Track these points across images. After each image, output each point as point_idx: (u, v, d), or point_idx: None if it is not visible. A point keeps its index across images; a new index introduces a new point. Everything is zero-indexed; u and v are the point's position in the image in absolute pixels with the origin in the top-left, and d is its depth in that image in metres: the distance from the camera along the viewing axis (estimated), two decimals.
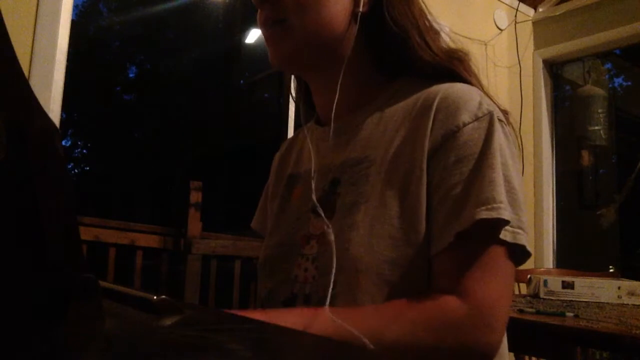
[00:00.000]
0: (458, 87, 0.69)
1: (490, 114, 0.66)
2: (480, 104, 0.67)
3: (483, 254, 0.62)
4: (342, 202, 0.70)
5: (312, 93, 0.82)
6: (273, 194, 0.88)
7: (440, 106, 0.67)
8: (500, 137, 0.65)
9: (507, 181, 0.63)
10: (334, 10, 0.70)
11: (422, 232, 0.64)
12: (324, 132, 0.79)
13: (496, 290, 0.61)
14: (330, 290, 0.63)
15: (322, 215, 0.68)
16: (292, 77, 0.93)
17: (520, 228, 0.63)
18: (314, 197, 0.72)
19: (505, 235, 0.62)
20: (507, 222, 0.61)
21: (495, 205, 0.60)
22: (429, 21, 0.75)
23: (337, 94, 0.73)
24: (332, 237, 0.66)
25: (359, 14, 0.71)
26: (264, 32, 0.74)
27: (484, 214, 0.60)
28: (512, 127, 0.72)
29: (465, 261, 0.62)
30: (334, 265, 0.64)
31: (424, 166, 0.65)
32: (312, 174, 0.75)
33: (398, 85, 0.75)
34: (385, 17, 0.71)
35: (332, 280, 0.63)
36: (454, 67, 0.72)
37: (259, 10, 0.74)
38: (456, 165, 0.64)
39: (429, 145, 0.66)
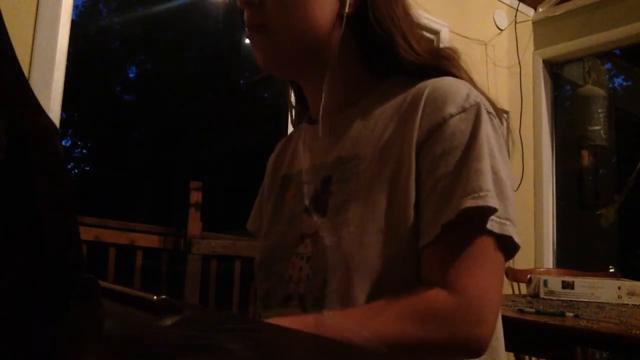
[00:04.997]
0: (446, 81, 0.69)
1: (477, 105, 0.66)
2: (467, 95, 0.66)
3: (470, 245, 0.61)
4: (334, 200, 0.70)
5: (305, 93, 0.82)
6: (268, 195, 0.88)
7: (428, 100, 0.67)
8: (487, 128, 0.65)
9: (494, 172, 0.63)
10: (318, 14, 0.70)
11: (410, 227, 0.64)
12: (315, 131, 0.79)
13: (484, 281, 0.61)
14: (342, 288, 0.62)
15: (312, 212, 0.69)
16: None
17: (508, 219, 0.63)
18: (306, 200, 0.72)
19: (492, 226, 0.61)
20: (494, 210, 0.61)
21: (481, 193, 0.60)
22: (414, 21, 0.74)
23: (324, 95, 0.72)
24: (327, 240, 0.66)
25: (345, 16, 0.71)
26: (249, 36, 0.74)
27: (469, 202, 0.60)
28: (506, 124, 0.71)
29: (452, 252, 0.61)
30: (335, 265, 0.64)
31: (412, 160, 0.65)
32: (303, 174, 0.75)
33: (387, 84, 0.75)
34: (369, 19, 0.70)
35: (328, 279, 0.63)
36: (441, 64, 0.72)
37: (245, 11, 0.73)
38: (443, 157, 0.64)
39: (416, 138, 0.66)
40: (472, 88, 0.69)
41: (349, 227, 0.66)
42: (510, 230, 0.62)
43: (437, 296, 0.60)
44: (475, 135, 0.63)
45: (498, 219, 0.62)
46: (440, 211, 0.62)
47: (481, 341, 0.60)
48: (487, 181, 0.61)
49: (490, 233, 0.61)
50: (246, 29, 0.74)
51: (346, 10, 0.70)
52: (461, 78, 0.71)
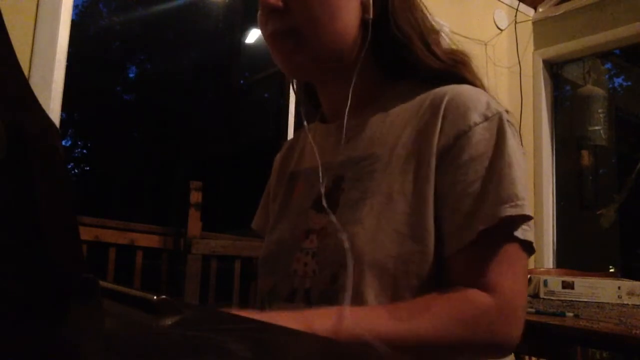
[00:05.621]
0: (465, 89, 0.70)
1: (499, 114, 0.67)
2: (488, 104, 0.68)
3: (504, 249, 0.63)
4: (345, 197, 0.71)
5: (318, 92, 0.82)
6: (275, 193, 0.88)
7: (449, 107, 0.68)
8: (510, 136, 0.67)
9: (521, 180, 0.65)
10: (346, 20, 0.71)
11: (427, 229, 0.65)
12: (328, 129, 0.79)
13: (518, 284, 0.64)
14: (357, 285, 0.63)
15: (326, 207, 0.69)
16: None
17: (528, 225, 0.65)
18: (322, 189, 0.72)
19: (517, 232, 0.64)
20: (529, 219, 0.63)
21: (519, 202, 0.62)
22: (430, 24, 0.76)
23: (350, 98, 0.73)
24: (339, 235, 0.66)
25: (370, 20, 0.71)
26: (273, 43, 0.73)
27: (509, 210, 0.62)
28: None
29: (489, 257, 0.63)
30: (350, 259, 0.64)
31: (433, 165, 0.66)
32: (320, 170, 0.75)
33: (403, 87, 0.76)
34: (390, 24, 0.71)
35: (350, 273, 0.63)
36: (458, 70, 0.73)
37: (262, 17, 0.72)
38: (470, 164, 0.65)
39: (439, 144, 0.67)
40: (490, 96, 0.70)
41: (363, 224, 0.66)
42: (530, 236, 0.65)
43: (478, 297, 0.62)
44: (502, 143, 0.65)
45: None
46: (474, 217, 0.63)
47: (514, 341, 0.62)
48: (522, 189, 0.63)
49: (517, 238, 0.64)
50: (269, 36, 0.72)
51: (371, 16, 0.71)
52: (474, 84, 0.73)
